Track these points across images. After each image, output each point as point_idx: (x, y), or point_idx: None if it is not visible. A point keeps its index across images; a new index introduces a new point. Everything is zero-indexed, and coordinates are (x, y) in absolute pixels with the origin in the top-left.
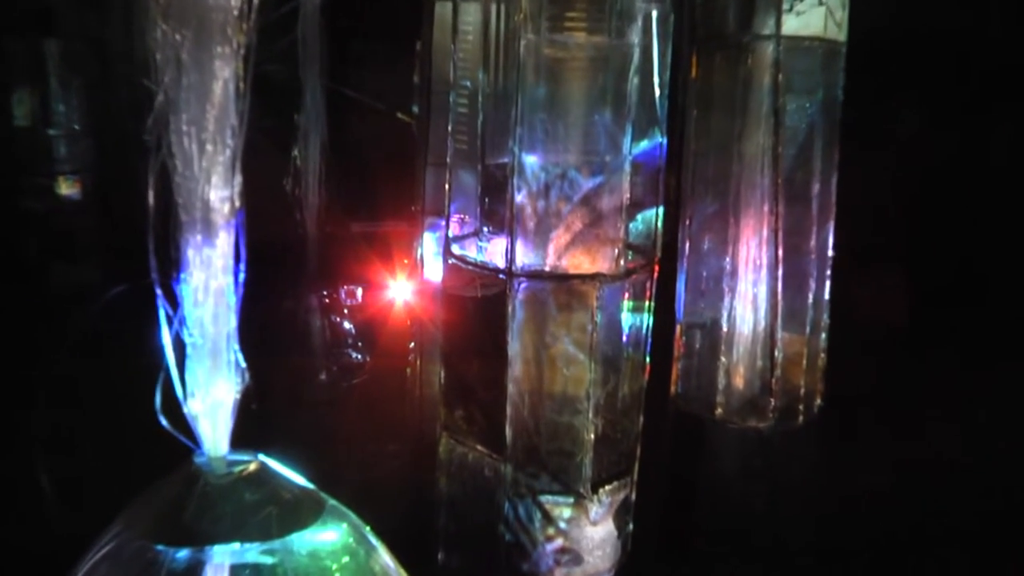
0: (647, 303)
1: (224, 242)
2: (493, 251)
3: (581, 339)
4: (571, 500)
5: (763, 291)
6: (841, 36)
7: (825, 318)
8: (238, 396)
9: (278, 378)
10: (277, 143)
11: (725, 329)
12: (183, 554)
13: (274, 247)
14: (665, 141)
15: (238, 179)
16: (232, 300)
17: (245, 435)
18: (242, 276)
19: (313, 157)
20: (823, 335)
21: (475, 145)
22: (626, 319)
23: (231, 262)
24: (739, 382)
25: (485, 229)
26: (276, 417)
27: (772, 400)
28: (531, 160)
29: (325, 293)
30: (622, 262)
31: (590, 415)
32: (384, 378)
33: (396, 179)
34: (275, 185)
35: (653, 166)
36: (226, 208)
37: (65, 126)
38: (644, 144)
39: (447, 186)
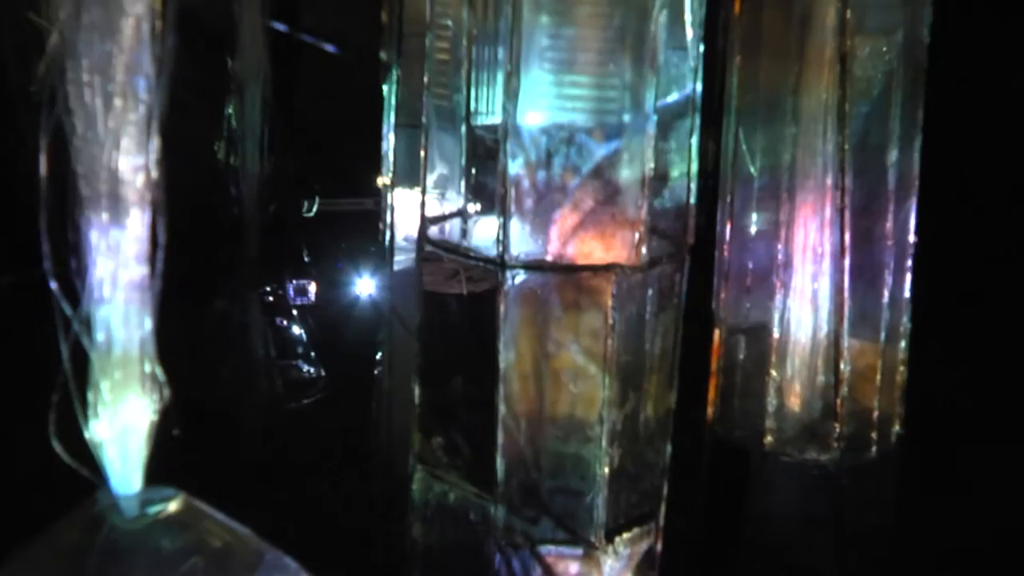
0: (676, 302)
1: (137, 223)
2: (481, 236)
3: (593, 347)
4: (579, 552)
5: (825, 287)
6: None
7: (905, 321)
8: (155, 418)
9: (208, 396)
10: (206, 98)
11: (776, 335)
12: None
13: (203, 230)
14: (699, 96)
15: (155, 143)
16: (148, 297)
17: (164, 468)
18: (161, 266)
19: (252, 116)
20: (903, 343)
21: (458, 101)
22: (649, 322)
23: (146, 249)
24: (794, 403)
25: (471, 208)
26: (204, 445)
27: (837, 426)
28: (529, 120)
29: (268, 290)
30: (644, 250)
31: (604, 444)
32: (343, 397)
33: (359, 145)
34: (204, 152)
35: (684, 128)
36: (140, 180)
37: None
38: (673, 99)
39: (423, 153)
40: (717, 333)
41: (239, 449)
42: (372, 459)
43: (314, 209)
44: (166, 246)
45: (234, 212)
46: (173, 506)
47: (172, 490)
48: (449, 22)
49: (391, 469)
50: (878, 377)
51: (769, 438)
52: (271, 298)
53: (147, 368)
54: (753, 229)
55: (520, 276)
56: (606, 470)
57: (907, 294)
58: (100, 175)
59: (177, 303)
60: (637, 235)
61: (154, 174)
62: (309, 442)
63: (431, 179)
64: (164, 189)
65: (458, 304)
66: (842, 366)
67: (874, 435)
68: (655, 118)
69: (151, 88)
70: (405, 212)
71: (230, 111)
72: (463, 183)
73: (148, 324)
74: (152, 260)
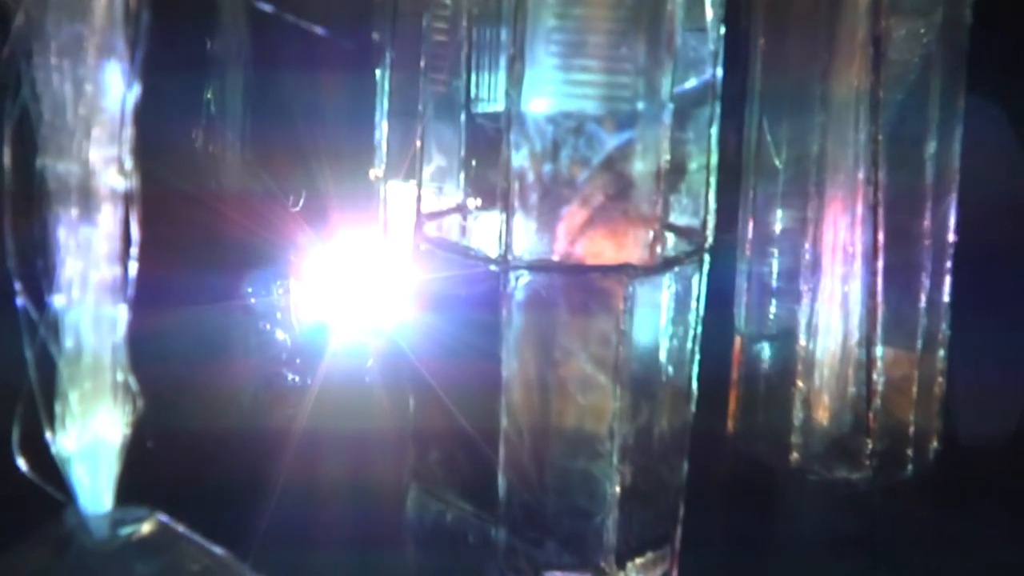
0: (694, 305)
1: (109, 219)
2: (482, 234)
3: (603, 355)
4: None
5: (856, 290)
6: None
7: (944, 328)
8: (128, 431)
9: (184, 406)
10: (184, 82)
11: (803, 343)
12: None
13: (180, 226)
14: (720, 81)
15: (129, 132)
16: (120, 299)
17: (137, 485)
18: (134, 266)
19: (234, 102)
20: (941, 352)
21: (457, 87)
22: (665, 328)
23: (119, 246)
24: (823, 416)
25: (471, 203)
26: (181, 459)
27: (869, 442)
28: (534, 108)
29: (250, 290)
30: (659, 249)
31: (615, 460)
32: (330, 407)
33: (348, 134)
34: (182, 141)
35: (703, 116)
36: (112, 172)
37: None
38: (691, 85)
39: (418, 144)
40: (738, 340)
41: (218, 465)
42: (361, 475)
43: (301, 203)
44: (141, 244)
45: (214, 205)
46: (147, 527)
47: (145, 510)
48: (448, 0)
49: (382, 486)
50: (914, 389)
51: (795, 454)
52: (252, 300)
53: (119, 377)
54: (778, 227)
55: (524, 277)
56: (617, 489)
57: (946, 298)
58: (69, 167)
59: (152, 306)
60: (651, 233)
61: (128, 165)
62: (293, 455)
63: (427, 172)
64: (139, 182)
65: (456, 307)
66: (875, 376)
67: (909, 452)
68: (671, 106)
69: (124, 72)
70: (399, 207)
71: (209, 96)
72: (462, 176)
73: (120, 329)
74: (125, 259)
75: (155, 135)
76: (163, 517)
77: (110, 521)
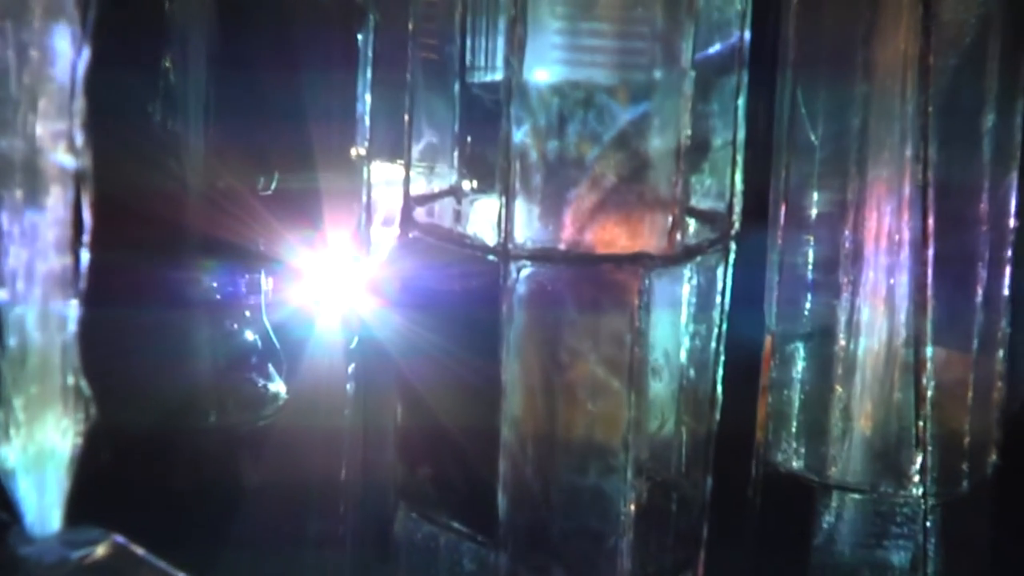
0: (719, 300)
1: (58, 204)
2: (478, 219)
3: (615, 356)
4: None
5: (903, 283)
6: None
7: (1004, 326)
8: (79, 441)
9: (142, 414)
10: (140, 47)
11: (842, 342)
12: None
13: (137, 212)
14: (748, 46)
15: (80, 105)
16: (71, 293)
17: (90, 503)
18: (86, 256)
19: (196, 72)
20: (1000, 353)
21: (451, 54)
22: (686, 325)
23: (69, 233)
24: (865, 426)
25: (466, 185)
26: (139, 473)
27: (919, 455)
28: (538, 77)
29: (215, 284)
30: (679, 236)
31: (629, 475)
32: (307, 417)
33: (325, 106)
34: (136, 115)
35: (728, 86)
36: (61, 149)
37: None
38: (715, 51)
39: (406, 118)
40: (769, 340)
41: (181, 480)
42: (342, 493)
43: (272, 186)
44: (93, 232)
45: (173, 189)
46: (101, 549)
47: (100, 530)
48: None
49: (366, 506)
50: (969, 394)
51: (834, 469)
52: (218, 295)
53: (70, 381)
54: (813, 211)
55: (527, 269)
56: (632, 507)
57: (1006, 292)
58: (13, 143)
59: (106, 302)
60: (670, 219)
61: (79, 142)
62: (265, 469)
63: (417, 149)
64: (91, 162)
65: (450, 303)
66: (925, 381)
67: (965, 466)
68: (692, 74)
69: (74, 36)
70: (385, 190)
71: (168, 64)
72: (456, 154)
73: (71, 327)
74: (76, 248)
75: (108, 108)
76: (119, 539)
77: (60, 543)
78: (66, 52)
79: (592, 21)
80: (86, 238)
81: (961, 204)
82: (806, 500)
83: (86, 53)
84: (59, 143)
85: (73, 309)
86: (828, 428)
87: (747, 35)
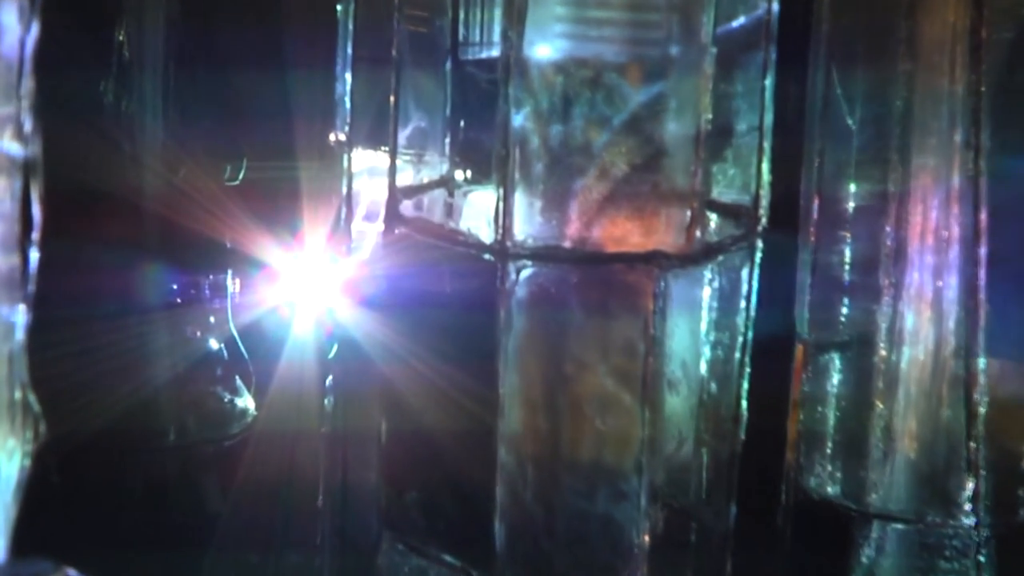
0: (744, 305)
1: (4, 196)
2: (473, 214)
3: (627, 367)
4: None
5: (952, 285)
6: None
7: None
8: (27, 463)
9: (93, 433)
10: (92, 20)
11: (883, 352)
12: None
13: (90, 207)
14: (776, 19)
15: (29, 85)
16: (18, 297)
17: (39, 530)
18: (35, 255)
19: (153, 46)
20: None
21: (441, 27)
22: (706, 333)
23: (16, 230)
24: (909, 447)
25: (459, 175)
26: (92, 500)
27: (971, 480)
28: (540, 53)
29: (175, 286)
30: (699, 233)
31: (642, 501)
32: (279, 436)
33: (300, 86)
34: (88, 96)
35: (754, 63)
36: (8, 135)
37: None
38: (739, 24)
39: (392, 99)
40: (800, 349)
41: (137, 507)
42: (321, 523)
43: (240, 176)
44: (42, 228)
45: (129, 179)
46: None
47: (50, 562)
48: None
49: (344, 535)
50: None
51: (874, 496)
52: (179, 299)
53: (17, 395)
54: (850, 205)
55: (527, 269)
56: (646, 538)
57: None
58: None
59: (51, 306)
60: (688, 213)
61: (27, 127)
62: (232, 498)
63: (404, 135)
64: (40, 149)
65: (440, 308)
66: (976, 396)
67: (1022, 492)
68: (714, 50)
69: (21, 10)
70: (367, 180)
71: (123, 38)
72: (448, 141)
73: (17, 335)
74: (24, 247)
75: (57, 88)
76: (71, 572)
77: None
78: (12, 27)
79: None
80: (35, 235)
81: (1017, 196)
82: (843, 531)
83: (34, 27)
84: (5, 129)
85: (21, 315)
86: (868, 449)
87: (775, 6)
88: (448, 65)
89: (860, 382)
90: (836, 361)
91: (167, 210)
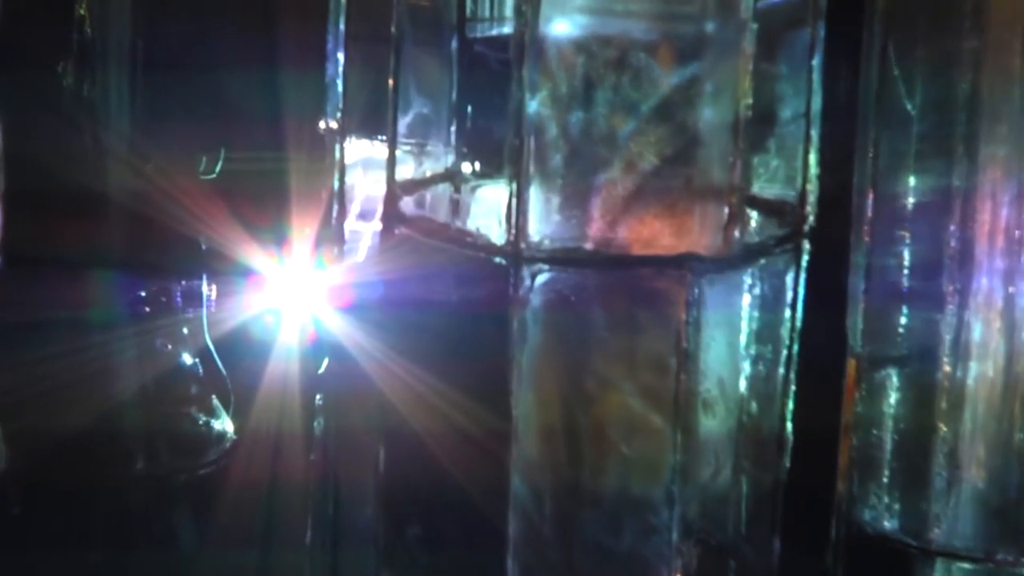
0: (789, 315)
1: None
2: (483, 211)
3: (656, 385)
4: None
5: None
6: None
7: None
8: None
9: (60, 459)
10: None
11: (947, 367)
12: None
13: (51, 206)
14: None
15: None
16: None
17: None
18: None
19: (119, 22)
20: None
21: (446, 1)
22: (745, 346)
23: None
24: (978, 475)
25: (466, 168)
26: (54, 532)
27: None
28: (558, 30)
29: (143, 294)
30: (738, 233)
31: (674, 536)
32: (261, 463)
33: (286, 66)
34: (44, 78)
35: (799, 42)
36: None
37: None
38: None
39: (390, 83)
40: (853, 364)
41: (104, 541)
42: (309, 561)
43: (217, 168)
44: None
45: (95, 175)
46: None
47: None
48: None
49: (340, 573)
50: None
51: (937, 531)
52: (148, 308)
53: None
54: (910, 201)
55: (544, 274)
56: None
57: None
58: None
59: (16, 316)
60: (726, 211)
61: None
62: (209, 533)
63: (404, 123)
64: None
65: (445, 318)
66: None
67: None
68: (754, 27)
69: None
70: (362, 174)
71: (84, 12)
72: (454, 129)
73: None
74: None
75: (12, 69)
76: None
77: None
78: None
79: None
80: None
81: None
82: (901, 570)
83: None
84: None
85: None
86: (930, 478)
87: None
88: (454, 44)
89: (921, 401)
90: (893, 378)
91: (134, 207)
